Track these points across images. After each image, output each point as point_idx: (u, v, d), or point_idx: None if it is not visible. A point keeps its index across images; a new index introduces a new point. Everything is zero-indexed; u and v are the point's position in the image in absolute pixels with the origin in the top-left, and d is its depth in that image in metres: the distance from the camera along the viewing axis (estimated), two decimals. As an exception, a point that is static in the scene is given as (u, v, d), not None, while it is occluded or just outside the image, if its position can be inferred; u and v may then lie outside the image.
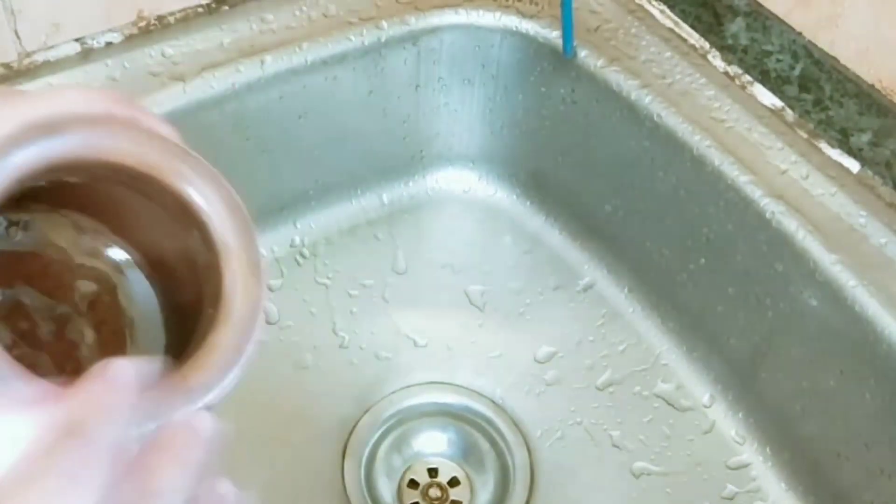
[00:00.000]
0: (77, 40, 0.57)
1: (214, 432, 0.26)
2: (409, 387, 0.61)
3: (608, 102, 0.60)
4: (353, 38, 0.60)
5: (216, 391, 0.27)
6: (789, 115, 0.57)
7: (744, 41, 0.59)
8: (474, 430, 0.61)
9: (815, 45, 0.55)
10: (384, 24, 0.60)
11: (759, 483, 0.58)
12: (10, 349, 0.30)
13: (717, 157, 0.55)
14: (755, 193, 0.53)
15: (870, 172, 0.54)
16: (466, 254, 0.68)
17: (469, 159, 0.70)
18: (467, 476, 0.59)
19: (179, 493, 0.25)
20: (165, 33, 0.58)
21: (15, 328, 0.33)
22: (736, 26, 0.59)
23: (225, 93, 0.57)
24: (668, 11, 0.63)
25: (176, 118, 0.55)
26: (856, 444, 0.52)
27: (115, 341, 0.34)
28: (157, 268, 0.35)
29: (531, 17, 0.62)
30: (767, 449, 0.58)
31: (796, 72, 0.56)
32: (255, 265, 0.30)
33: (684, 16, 0.62)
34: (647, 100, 0.58)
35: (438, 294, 0.66)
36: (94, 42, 0.57)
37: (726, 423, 0.60)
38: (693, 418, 0.61)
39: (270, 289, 0.65)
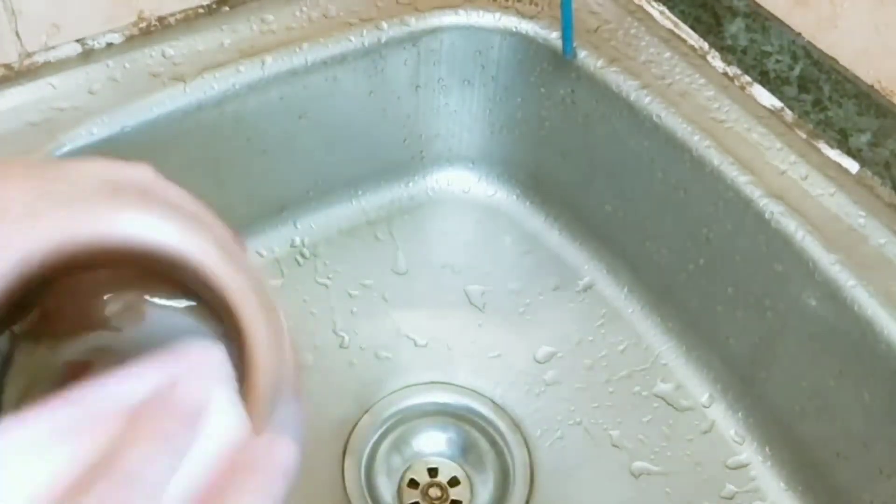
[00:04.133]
0: (78, 41, 0.57)
1: (295, 462, 0.24)
2: (408, 386, 0.62)
3: (608, 103, 0.60)
4: (353, 38, 0.60)
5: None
6: (788, 115, 0.57)
7: (743, 42, 0.59)
8: (474, 429, 0.61)
9: (815, 46, 0.55)
10: (384, 24, 0.61)
11: (759, 483, 0.58)
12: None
13: (716, 158, 0.55)
14: (754, 194, 0.54)
15: (869, 173, 0.54)
16: (466, 254, 0.68)
17: (469, 160, 0.70)
18: (467, 476, 0.59)
19: None
20: (166, 34, 0.58)
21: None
22: (735, 27, 0.59)
23: (225, 93, 0.57)
24: (667, 12, 0.63)
25: (176, 119, 0.56)
26: (855, 444, 0.52)
27: None
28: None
29: (531, 17, 0.62)
30: (767, 448, 0.59)
31: (795, 72, 0.56)
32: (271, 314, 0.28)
33: (684, 16, 0.62)
34: (646, 100, 0.58)
35: (438, 294, 0.66)
36: (95, 43, 0.57)
37: (725, 422, 0.60)
38: (692, 418, 0.61)
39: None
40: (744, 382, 0.59)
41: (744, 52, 0.59)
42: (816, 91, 0.56)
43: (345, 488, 0.57)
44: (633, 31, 0.62)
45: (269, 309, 0.28)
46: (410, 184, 0.70)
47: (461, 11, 0.62)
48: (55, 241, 0.25)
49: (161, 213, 0.27)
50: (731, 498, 0.57)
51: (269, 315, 0.28)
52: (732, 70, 0.60)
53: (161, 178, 0.31)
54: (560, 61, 0.61)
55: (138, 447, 0.22)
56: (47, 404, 0.23)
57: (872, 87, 0.53)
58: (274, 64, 0.58)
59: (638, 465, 0.59)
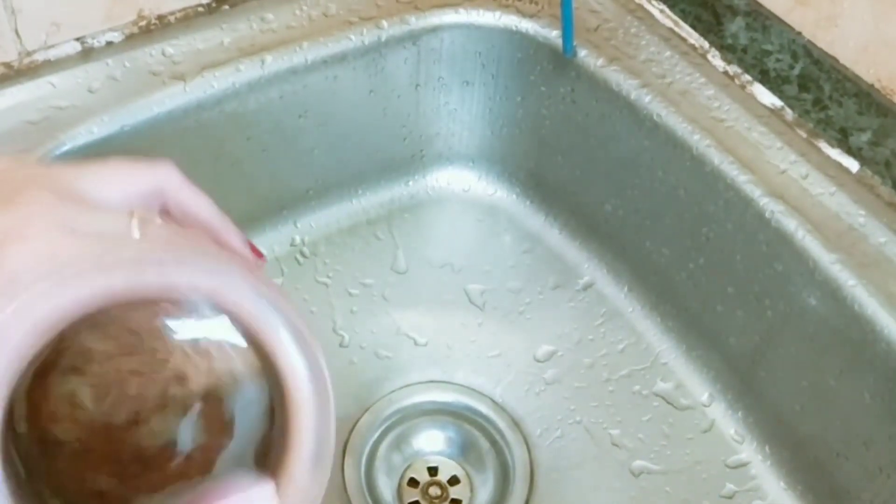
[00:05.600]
0: (77, 39, 0.57)
1: None
2: (408, 385, 0.62)
3: (608, 102, 0.60)
4: (353, 37, 0.60)
5: None
6: (789, 114, 0.57)
7: (743, 41, 0.59)
8: (474, 428, 0.61)
9: (815, 45, 0.55)
10: (384, 23, 0.61)
11: (759, 482, 0.58)
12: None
13: (716, 157, 0.55)
14: (754, 193, 0.53)
15: (869, 172, 0.54)
16: (466, 253, 0.68)
17: (469, 159, 0.70)
18: (467, 475, 0.59)
19: None
20: (166, 32, 0.58)
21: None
22: (735, 26, 0.59)
23: (225, 92, 0.57)
24: (667, 11, 0.63)
25: (176, 117, 0.56)
26: (855, 443, 0.52)
27: (219, 427, 0.34)
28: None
29: (531, 16, 0.62)
30: (766, 448, 0.59)
31: (796, 71, 0.56)
32: (323, 397, 0.30)
33: (684, 15, 0.62)
34: (646, 99, 0.58)
35: (438, 293, 0.66)
36: (95, 41, 0.57)
37: (725, 421, 0.60)
38: (692, 417, 0.61)
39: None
40: (744, 381, 0.59)
41: (744, 50, 0.59)
42: (817, 90, 0.56)
43: (345, 487, 0.57)
44: (633, 29, 0.62)
45: (315, 363, 0.30)
46: (410, 183, 0.70)
47: (461, 10, 0.62)
48: (85, 304, 0.26)
49: (195, 265, 0.28)
50: (730, 497, 0.57)
51: (314, 369, 0.30)
52: (732, 69, 0.60)
53: (184, 181, 0.33)
54: (560, 60, 0.61)
55: None
56: None
57: (873, 86, 0.53)
58: (274, 63, 0.58)
59: (638, 463, 0.59)
